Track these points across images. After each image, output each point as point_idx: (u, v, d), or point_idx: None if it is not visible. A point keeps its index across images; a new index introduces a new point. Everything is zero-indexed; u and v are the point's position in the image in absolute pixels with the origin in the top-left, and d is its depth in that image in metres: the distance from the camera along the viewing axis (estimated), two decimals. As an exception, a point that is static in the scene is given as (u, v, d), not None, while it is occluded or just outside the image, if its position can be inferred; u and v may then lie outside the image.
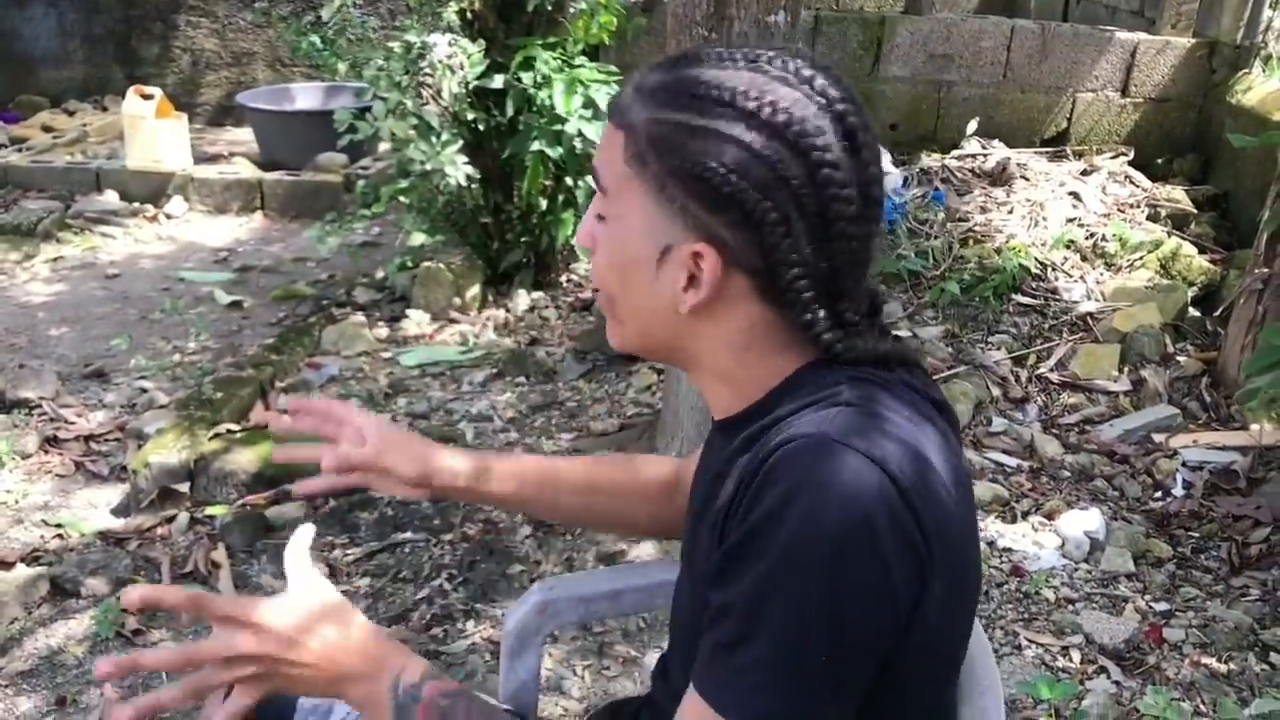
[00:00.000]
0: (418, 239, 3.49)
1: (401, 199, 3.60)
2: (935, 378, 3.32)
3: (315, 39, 3.49)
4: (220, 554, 2.62)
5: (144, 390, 3.47)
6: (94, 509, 2.85)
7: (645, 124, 0.88)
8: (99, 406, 3.38)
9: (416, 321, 3.87)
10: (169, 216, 5.27)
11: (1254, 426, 3.12)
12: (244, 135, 6.48)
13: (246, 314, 4.15)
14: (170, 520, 2.75)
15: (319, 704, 1.27)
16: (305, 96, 6.28)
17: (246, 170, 5.54)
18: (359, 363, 3.57)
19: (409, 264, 3.98)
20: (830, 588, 0.78)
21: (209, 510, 2.77)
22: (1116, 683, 2.22)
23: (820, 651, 0.79)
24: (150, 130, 5.36)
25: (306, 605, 0.93)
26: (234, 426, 3.02)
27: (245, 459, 2.84)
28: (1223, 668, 2.27)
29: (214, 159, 5.86)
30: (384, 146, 5.63)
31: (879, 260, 0.73)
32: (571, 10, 3.72)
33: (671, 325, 0.92)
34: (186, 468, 2.83)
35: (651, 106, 0.88)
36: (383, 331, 3.84)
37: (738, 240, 0.86)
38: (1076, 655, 2.30)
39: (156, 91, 5.47)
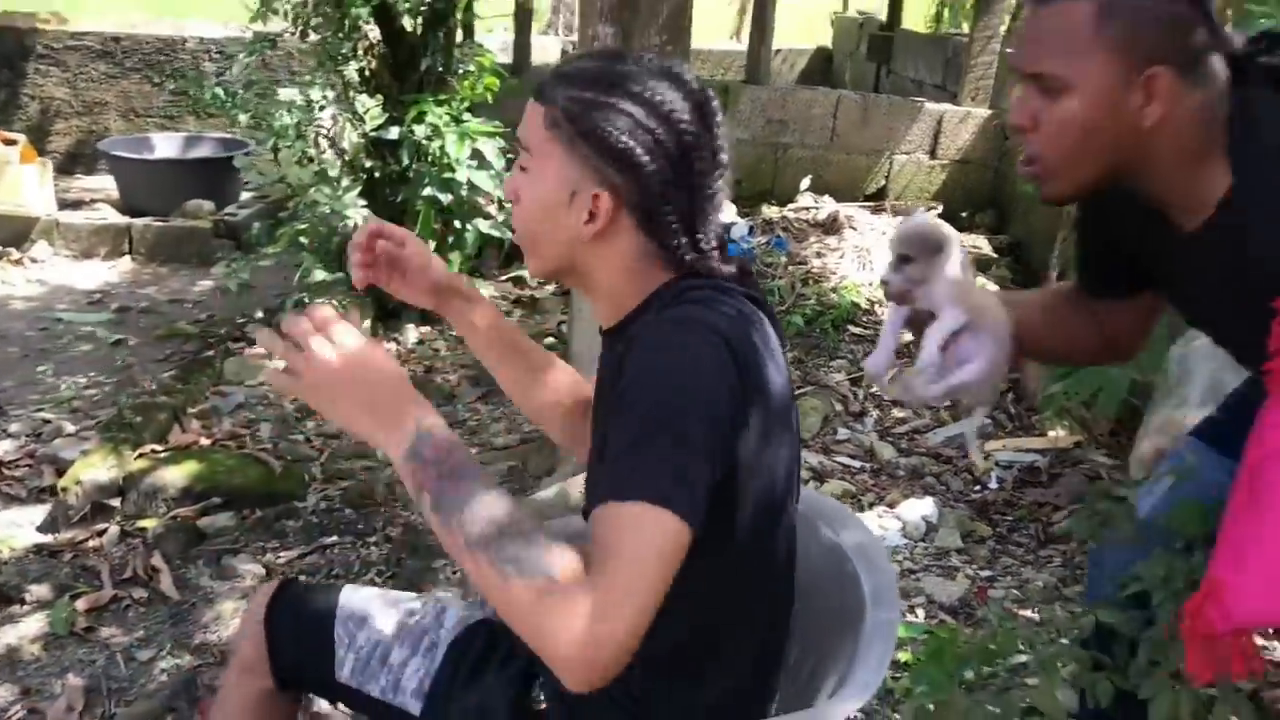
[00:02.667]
0: (318, 275, 3.75)
1: (302, 239, 3.86)
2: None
3: (219, 91, 3.74)
4: (159, 560, 2.81)
5: (47, 421, 3.59)
6: (19, 527, 2.98)
7: (563, 99, 1.20)
8: (4, 436, 3.49)
9: (312, 355, 4.11)
10: (34, 260, 5.31)
11: (1051, 433, 3.72)
12: (97, 182, 6.52)
13: (132, 351, 4.29)
14: (101, 533, 2.92)
15: (355, 610, 1.53)
16: (165, 145, 6.40)
17: (113, 216, 5.63)
18: (263, 390, 3.79)
19: (306, 301, 4.22)
20: (680, 395, 1.10)
21: (140, 523, 2.96)
22: (953, 630, 2.70)
23: (681, 429, 1.08)
24: (14, 175, 5.41)
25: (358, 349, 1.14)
26: (158, 447, 3.21)
27: (173, 475, 3.04)
28: (1035, 617, 2.78)
29: (77, 204, 5.91)
30: (246, 195, 5.85)
31: (724, 207, 1.08)
32: (459, 71, 4.10)
33: (579, 252, 1.24)
34: (116, 484, 3.01)
35: (570, 88, 1.20)
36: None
37: (626, 184, 1.18)
38: (921, 611, 2.77)
39: (20, 137, 5.52)
